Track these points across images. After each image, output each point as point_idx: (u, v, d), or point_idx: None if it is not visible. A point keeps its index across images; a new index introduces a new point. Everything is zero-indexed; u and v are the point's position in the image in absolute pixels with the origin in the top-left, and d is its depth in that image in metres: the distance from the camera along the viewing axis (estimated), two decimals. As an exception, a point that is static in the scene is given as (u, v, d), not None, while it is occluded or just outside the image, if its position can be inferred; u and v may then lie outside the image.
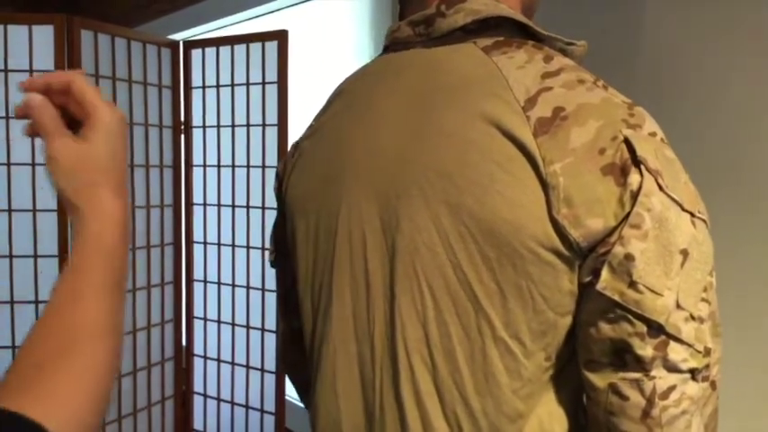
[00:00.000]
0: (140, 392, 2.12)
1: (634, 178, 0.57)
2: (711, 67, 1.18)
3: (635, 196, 0.57)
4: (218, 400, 2.22)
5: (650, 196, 0.56)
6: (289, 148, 1.18)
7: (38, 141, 1.81)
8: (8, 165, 1.86)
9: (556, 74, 0.62)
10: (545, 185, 0.58)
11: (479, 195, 0.60)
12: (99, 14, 3.19)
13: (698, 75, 1.20)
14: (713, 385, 0.60)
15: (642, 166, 0.57)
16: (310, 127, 0.80)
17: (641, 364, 0.57)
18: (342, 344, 0.71)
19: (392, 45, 0.74)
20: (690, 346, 0.57)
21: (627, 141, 0.58)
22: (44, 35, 1.84)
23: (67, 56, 1.84)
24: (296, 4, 2.26)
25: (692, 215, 0.58)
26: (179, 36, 2.77)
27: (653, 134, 0.60)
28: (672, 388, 0.57)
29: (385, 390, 0.67)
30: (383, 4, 1.94)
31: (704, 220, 0.60)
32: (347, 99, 0.76)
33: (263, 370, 2.10)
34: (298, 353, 0.90)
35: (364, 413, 0.70)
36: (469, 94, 0.63)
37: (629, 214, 0.57)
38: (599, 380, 0.60)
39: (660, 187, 0.57)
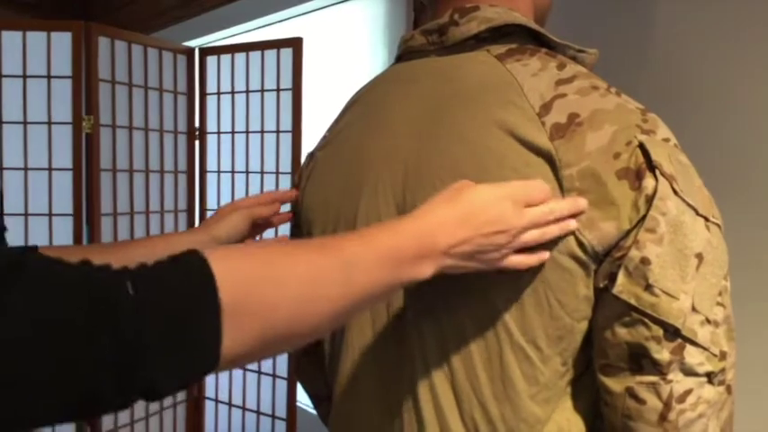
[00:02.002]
0: None
1: (649, 182, 0.57)
2: (724, 69, 1.18)
3: (650, 200, 0.57)
4: (230, 405, 2.22)
5: (665, 200, 0.57)
6: (303, 157, 1.19)
7: (55, 147, 1.83)
8: (25, 169, 1.88)
9: (569, 81, 0.63)
10: (562, 189, 0.58)
11: None
12: (116, 21, 3.23)
13: (710, 77, 1.20)
14: (729, 390, 0.60)
15: (657, 171, 0.57)
16: (324, 137, 0.81)
17: (658, 368, 0.57)
18: (360, 350, 0.72)
19: (406, 54, 0.75)
20: (706, 349, 0.57)
21: (641, 146, 0.58)
22: (62, 42, 1.87)
23: (85, 62, 1.87)
24: (310, 11, 2.28)
25: (707, 219, 0.59)
26: (194, 43, 2.80)
27: (666, 140, 0.61)
28: (689, 392, 0.57)
29: (403, 395, 0.68)
30: (397, 11, 1.95)
31: (718, 225, 0.60)
32: (361, 109, 0.77)
33: (274, 375, 2.10)
34: (310, 365, 0.90)
35: (382, 418, 0.70)
36: (484, 102, 0.64)
37: (644, 218, 0.57)
38: (616, 384, 0.60)
39: (675, 191, 0.57)
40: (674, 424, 0.57)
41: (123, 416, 1.99)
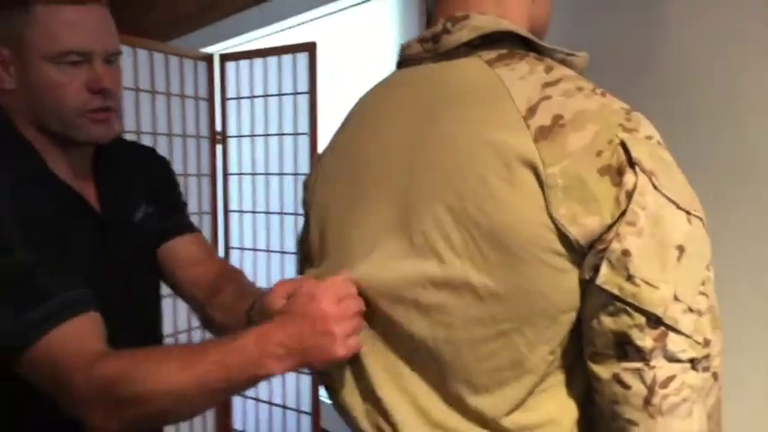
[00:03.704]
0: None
1: (629, 178, 0.60)
2: (729, 70, 1.20)
3: (630, 195, 0.60)
4: (257, 400, 2.29)
5: (644, 195, 0.60)
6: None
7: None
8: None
9: (555, 83, 0.66)
10: (544, 187, 0.61)
11: (479, 202, 0.63)
12: (136, 27, 3.32)
13: (717, 78, 1.22)
14: (715, 376, 0.62)
15: (637, 167, 0.60)
16: (332, 141, 0.85)
17: (641, 355, 0.60)
18: (363, 341, 0.76)
19: (404, 61, 0.79)
20: (689, 337, 0.60)
21: (623, 144, 0.61)
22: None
23: (109, 72, 1.94)
24: (324, 15, 2.33)
25: (688, 213, 0.61)
26: (212, 49, 2.87)
27: (649, 137, 0.63)
28: (672, 377, 0.60)
29: (398, 379, 0.72)
30: (409, 14, 1.99)
31: (700, 218, 0.62)
32: (361, 115, 0.81)
33: (298, 371, 2.16)
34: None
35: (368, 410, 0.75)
36: (472, 105, 0.67)
37: (624, 212, 0.60)
38: (603, 371, 0.63)
39: (654, 186, 0.60)
40: (658, 408, 0.60)
41: None
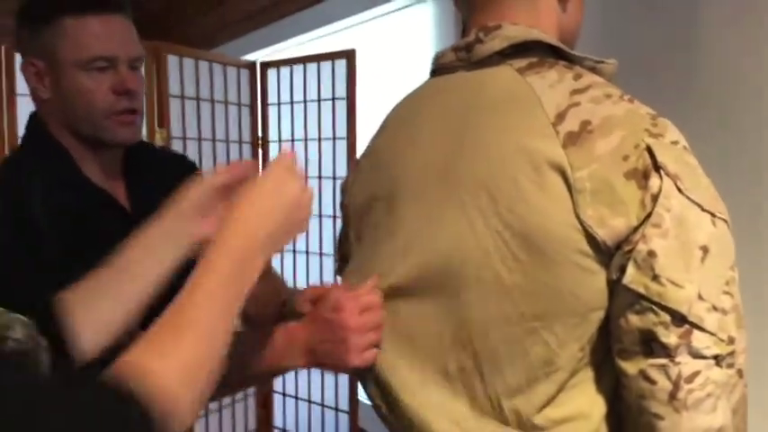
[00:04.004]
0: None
1: (654, 182, 0.63)
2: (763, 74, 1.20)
3: (655, 198, 0.62)
4: (297, 398, 2.35)
5: (669, 198, 0.62)
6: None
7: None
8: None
9: (584, 90, 0.69)
10: (572, 190, 0.64)
11: (512, 206, 0.67)
12: (181, 35, 3.42)
13: (750, 83, 1.22)
14: (740, 373, 0.64)
15: (662, 171, 0.63)
16: (368, 146, 0.89)
17: (666, 351, 0.62)
18: (408, 337, 0.78)
19: (438, 70, 0.82)
20: (713, 334, 0.62)
21: (649, 149, 0.64)
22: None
23: (156, 78, 2.03)
24: (362, 22, 2.38)
25: (713, 215, 0.63)
26: (253, 56, 2.95)
27: (675, 142, 0.66)
28: (696, 373, 0.62)
29: (434, 377, 0.75)
30: (445, 20, 2.02)
31: (725, 220, 0.64)
32: (398, 121, 0.85)
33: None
34: None
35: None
36: (504, 113, 0.70)
37: (650, 214, 0.62)
38: (630, 367, 0.65)
39: (679, 189, 0.62)
40: (683, 402, 0.62)
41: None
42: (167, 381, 0.54)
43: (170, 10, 3.61)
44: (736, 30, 1.24)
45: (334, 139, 2.14)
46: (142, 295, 0.78)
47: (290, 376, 2.36)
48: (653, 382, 0.63)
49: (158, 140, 2.02)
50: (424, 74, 0.86)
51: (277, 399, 2.42)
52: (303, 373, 2.32)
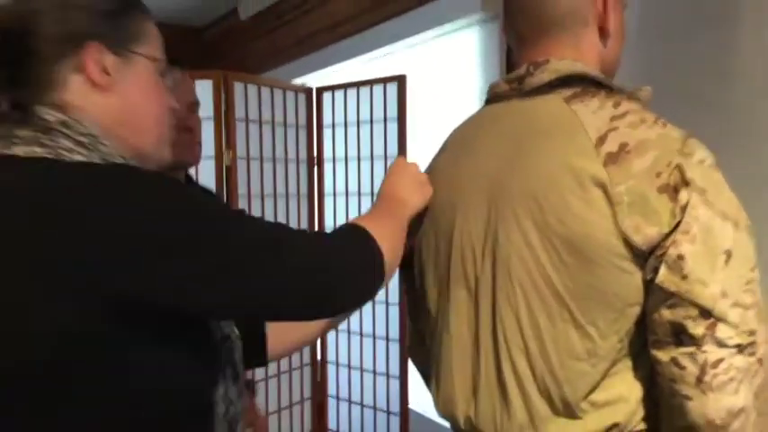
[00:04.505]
0: (283, 393, 2.43)
1: (683, 195, 0.72)
2: None
3: (684, 209, 0.72)
4: (350, 402, 2.47)
5: (696, 209, 0.72)
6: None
7: (201, 178, 2.15)
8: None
9: (622, 116, 0.79)
10: (612, 203, 0.75)
11: (560, 216, 0.77)
12: (238, 61, 3.63)
13: None
14: (760, 362, 0.73)
15: (690, 186, 0.72)
16: (430, 165, 1.00)
17: (694, 341, 0.71)
18: (457, 334, 0.90)
19: (493, 98, 0.94)
20: (736, 327, 0.71)
21: (678, 167, 0.73)
22: (204, 87, 2.20)
23: (224, 103, 2.21)
24: (410, 47, 2.52)
25: (736, 224, 0.73)
26: (304, 78, 3.12)
27: (702, 161, 0.75)
28: (720, 360, 0.71)
29: (489, 368, 0.85)
30: (491, 45, 2.13)
31: (747, 227, 0.74)
32: (458, 142, 0.96)
33: (387, 375, 2.33)
34: (421, 352, 1.09)
35: (472, 387, 0.88)
36: (553, 136, 0.81)
37: (679, 223, 0.72)
38: (663, 355, 0.74)
39: (705, 202, 0.72)
40: (709, 385, 0.71)
41: (260, 372, 2.28)
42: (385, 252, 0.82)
43: (226, 38, 3.83)
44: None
45: (385, 157, 2.27)
46: (321, 328, 1.07)
47: (343, 380, 2.49)
48: (683, 367, 0.72)
49: (226, 161, 2.19)
50: (469, 95, 0.98)
51: (331, 402, 2.54)
52: (356, 376, 2.45)
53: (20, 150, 0.67)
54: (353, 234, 0.81)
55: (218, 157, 2.18)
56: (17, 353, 0.62)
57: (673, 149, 0.75)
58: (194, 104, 1.07)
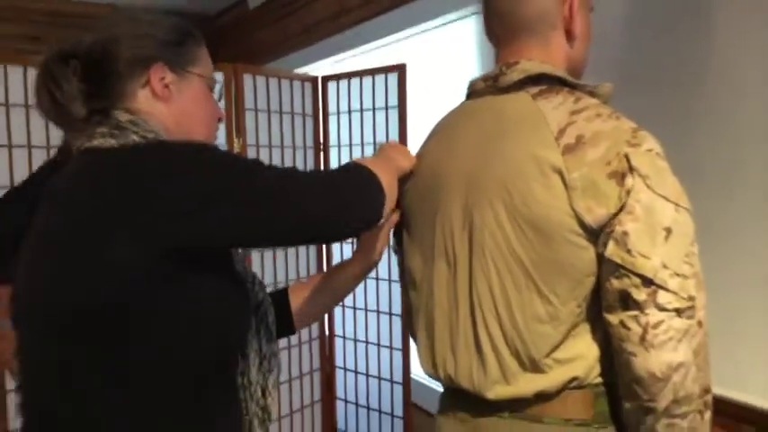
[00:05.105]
0: (294, 365, 2.58)
1: (629, 181, 0.83)
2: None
3: (629, 193, 0.83)
4: (356, 372, 2.62)
5: (639, 192, 0.83)
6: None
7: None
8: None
9: (580, 111, 0.89)
10: (568, 188, 0.86)
11: (524, 200, 0.88)
12: (246, 51, 3.74)
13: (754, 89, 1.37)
14: (699, 324, 0.83)
15: (635, 172, 0.83)
16: (417, 153, 1.12)
17: (638, 306, 0.82)
18: (439, 303, 1.00)
19: (472, 94, 1.06)
20: (675, 293, 0.81)
21: (626, 155, 0.84)
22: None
23: (234, 94, 2.33)
24: (409, 37, 2.61)
25: (677, 205, 0.83)
26: (309, 66, 3.22)
27: (649, 150, 0.86)
28: (661, 322, 0.81)
29: (466, 331, 0.96)
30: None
31: (687, 209, 0.84)
32: (440, 134, 1.07)
33: (391, 347, 2.47)
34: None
35: (452, 348, 0.98)
36: (520, 130, 0.92)
37: (624, 205, 0.83)
38: (613, 318, 0.85)
39: (647, 186, 0.83)
40: (651, 343, 0.81)
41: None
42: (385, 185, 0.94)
43: (236, 25, 3.93)
44: (746, 41, 1.37)
45: (387, 143, 2.38)
46: (337, 300, 1.23)
47: (350, 352, 2.64)
48: (628, 328, 0.82)
49: (236, 148, 2.32)
50: (466, 84, 1.09)
51: (339, 373, 2.70)
52: (362, 349, 2.59)
53: (98, 142, 0.85)
54: (358, 168, 0.94)
55: (230, 145, 2.30)
56: (92, 286, 0.77)
57: (622, 140, 0.85)
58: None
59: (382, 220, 0.94)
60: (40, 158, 1.95)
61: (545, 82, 0.96)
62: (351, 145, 2.53)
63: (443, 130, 1.08)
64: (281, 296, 1.15)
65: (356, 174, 0.93)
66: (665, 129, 1.00)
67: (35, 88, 0.90)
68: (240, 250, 1.07)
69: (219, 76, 2.31)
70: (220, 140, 2.32)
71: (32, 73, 1.19)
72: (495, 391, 0.93)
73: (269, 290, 1.11)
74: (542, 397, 0.92)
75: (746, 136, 1.38)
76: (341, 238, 0.99)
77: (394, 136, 2.35)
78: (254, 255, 2.39)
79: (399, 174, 1.03)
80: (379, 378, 2.54)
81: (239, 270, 0.99)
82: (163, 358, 0.81)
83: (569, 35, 0.99)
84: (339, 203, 0.87)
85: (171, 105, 0.93)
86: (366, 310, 2.55)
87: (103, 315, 0.78)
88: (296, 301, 1.16)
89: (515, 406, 0.94)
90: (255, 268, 2.39)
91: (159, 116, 0.92)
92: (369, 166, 0.93)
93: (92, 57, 0.90)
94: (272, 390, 1.03)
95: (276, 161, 2.46)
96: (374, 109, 2.41)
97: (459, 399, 1.00)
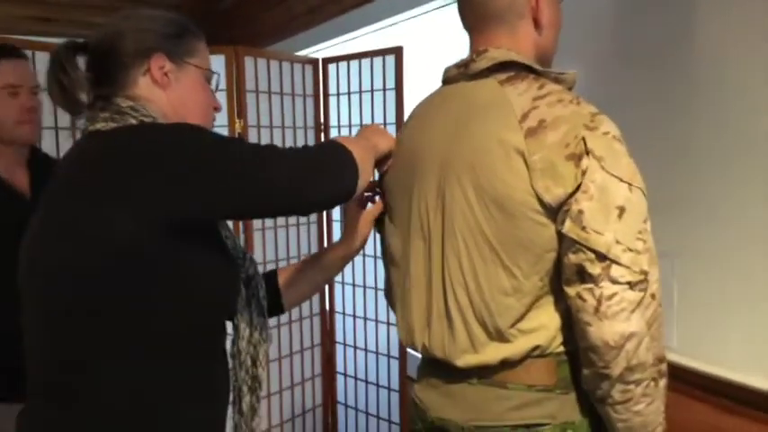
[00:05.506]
0: (295, 340, 2.67)
1: (584, 162, 0.88)
2: (752, 66, 1.35)
3: (584, 173, 0.88)
4: (355, 347, 2.70)
5: (594, 173, 0.87)
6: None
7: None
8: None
9: (543, 97, 0.94)
10: (529, 169, 0.91)
11: (490, 180, 0.93)
12: (250, 32, 3.77)
13: (742, 74, 1.37)
14: (653, 297, 0.87)
15: (590, 155, 0.88)
16: (397, 136, 1.18)
17: (593, 279, 0.86)
18: (416, 276, 1.06)
19: (446, 80, 1.11)
20: (627, 267, 0.86)
21: (583, 138, 0.89)
22: (217, 62, 2.37)
23: (236, 77, 2.38)
24: (406, 20, 2.64)
25: (630, 185, 0.88)
26: (312, 48, 3.26)
27: (606, 133, 0.90)
28: (614, 294, 0.86)
29: (439, 302, 1.02)
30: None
31: (640, 188, 0.89)
32: (416, 119, 1.13)
33: (388, 323, 2.54)
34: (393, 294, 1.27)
35: (426, 319, 1.04)
36: (487, 114, 0.97)
37: (580, 185, 0.88)
38: (571, 291, 0.90)
39: (602, 167, 0.87)
40: (605, 313, 0.86)
41: (273, 352, 2.52)
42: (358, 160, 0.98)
43: (238, 8, 3.96)
44: (726, 23, 1.37)
45: (384, 124, 2.42)
46: (325, 283, 1.28)
47: (349, 328, 2.72)
48: (584, 300, 0.87)
49: (237, 129, 2.38)
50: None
51: (339, 348, 2.78)
52: (360, 325, 2.67)
53: (100, 126, 0.94)
54: (334, 144, 0.99)
55: (231, 126, 2.36)
56: (100, 251, 0.85)
57: (580, 124, 0.90)
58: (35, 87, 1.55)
59: (356, 195, 1.00)
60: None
61: (513, 69, 1.00)
62: (350, 125, 2.58)
63: (420, 115, 1.13)
64: (269, 275, 1.22)
65: (330, 149, 0.98)
66: (652, 110, 1.02)
67: (46, 76, 0.97)
68: (231, 227, 1.13)
69: (220, 59, 2.36)
70: (221, 121, 2.39)
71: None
72: (465, 359, 0.99)
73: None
74: (507, 364, 0.97)
75: (730, 117, 1.40)
76: (315, 208, 1.04)
77: (391, 117, 2.40)
78: (256, 235, 2.46)
79: (376, 154, 1.08)
80: (377, 353, 2.62)
81: (230, 245, 1.06)
82: (159, 325, 0.89)
83: (537, 23, 1.03)
84: (311, 174, 0.93)
85: (169, 92, 1.01)
86: (365, 287, 2.63)
87: (102, 285, 0.85)
88: (284, 280, 1.23)
89: (483, 373, 0.99)
90: (257, 247, 2.46)
91: (158, 102, 1.00)
92: (344, 143, 0.98)
93: (99, 49, 0.99)
94: (262, 360, 1.10)
95: (277, 141, 2.52)
96: (372, 90, 2.46)
97: (433, 367, 1.07)
